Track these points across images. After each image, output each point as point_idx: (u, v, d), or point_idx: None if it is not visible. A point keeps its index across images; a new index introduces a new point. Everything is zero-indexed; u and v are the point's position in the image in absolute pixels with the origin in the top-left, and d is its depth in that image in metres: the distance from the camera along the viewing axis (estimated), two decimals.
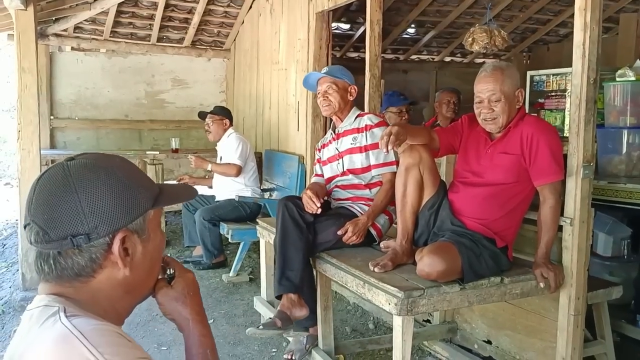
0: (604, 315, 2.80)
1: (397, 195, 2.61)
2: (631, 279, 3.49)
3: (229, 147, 4.88)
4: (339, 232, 2.82)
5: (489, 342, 3.06)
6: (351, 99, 3.10)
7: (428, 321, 3.44)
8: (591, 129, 2.42)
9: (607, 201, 3.15)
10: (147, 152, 5.86)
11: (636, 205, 3.03)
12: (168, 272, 1.17)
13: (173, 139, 5.83)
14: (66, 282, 1.00)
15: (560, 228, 2.48)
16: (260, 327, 2.79)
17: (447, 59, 8.16)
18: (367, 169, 3.01)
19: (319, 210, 2.81)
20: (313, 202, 2.80)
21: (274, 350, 3.37)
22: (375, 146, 2.95)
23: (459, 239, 2.38)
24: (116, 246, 0.99)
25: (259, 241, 4.86)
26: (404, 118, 4.39)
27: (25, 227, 1.00)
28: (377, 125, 3.00)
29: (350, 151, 3.03)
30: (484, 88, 2.48)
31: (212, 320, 3.80)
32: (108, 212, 0.98)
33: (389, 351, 3.27)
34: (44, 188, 0.99)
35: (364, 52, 7.58)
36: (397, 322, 2.24)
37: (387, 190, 2.91)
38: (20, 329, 0.99)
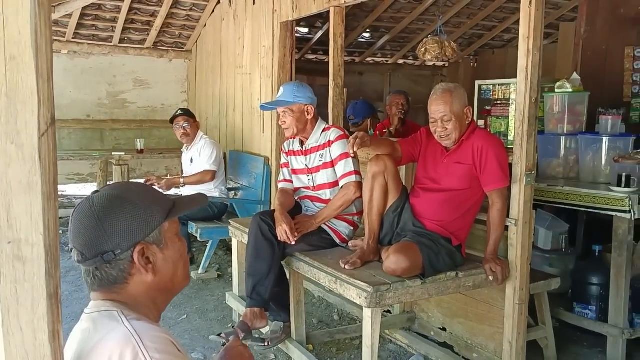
0: (545, 304, 3.20)
1: (364, 199, 2.92)
2: (569, 270, 3.88)
3: (204, 153, 5.01)
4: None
5: (444, 329, 3.41)
6: (309, 117, 3.19)
7: (389, 312, 3.77)
8: (533, 141, 2.77)
9: (546, 202, 3.53)
10: (113, 153, 5.98)
11: (571, 206, 3.42)
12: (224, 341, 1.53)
13: (138, 140, 5.97)
14: (107, 289, 1.25)
15: (506, 228, 2.84)
16: (222, 334, 2.97)
17: (400, 61, 8.57)
18: (336, 183, 3.18)
19: (293, 243, 3.00)
20: (288, 237, 2.97)
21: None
22: (338, 159, 3.13)
23: (420, 239, 2.71)
24: (136, 257, 1.24)
25: (224, 239, 5.10)
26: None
27: (70, 250, 1.26)
28: (337, 139, 3.15)
29: (323, 167, 3.19)
30: (436, 110, 2.79)
31: (185, 316, 4.01)
32: (126, 231, 1.22)
33: (354, 340, 3.59)
34: (76, 219, 1.24)
35: (322, 55, 7.86)
36: (366, 313, 2.55)
37: (342, 197, 3.09)
38: (80, 328, 1.22)
